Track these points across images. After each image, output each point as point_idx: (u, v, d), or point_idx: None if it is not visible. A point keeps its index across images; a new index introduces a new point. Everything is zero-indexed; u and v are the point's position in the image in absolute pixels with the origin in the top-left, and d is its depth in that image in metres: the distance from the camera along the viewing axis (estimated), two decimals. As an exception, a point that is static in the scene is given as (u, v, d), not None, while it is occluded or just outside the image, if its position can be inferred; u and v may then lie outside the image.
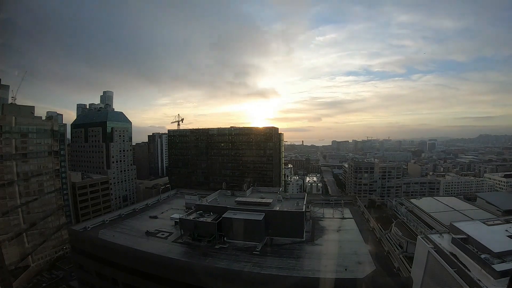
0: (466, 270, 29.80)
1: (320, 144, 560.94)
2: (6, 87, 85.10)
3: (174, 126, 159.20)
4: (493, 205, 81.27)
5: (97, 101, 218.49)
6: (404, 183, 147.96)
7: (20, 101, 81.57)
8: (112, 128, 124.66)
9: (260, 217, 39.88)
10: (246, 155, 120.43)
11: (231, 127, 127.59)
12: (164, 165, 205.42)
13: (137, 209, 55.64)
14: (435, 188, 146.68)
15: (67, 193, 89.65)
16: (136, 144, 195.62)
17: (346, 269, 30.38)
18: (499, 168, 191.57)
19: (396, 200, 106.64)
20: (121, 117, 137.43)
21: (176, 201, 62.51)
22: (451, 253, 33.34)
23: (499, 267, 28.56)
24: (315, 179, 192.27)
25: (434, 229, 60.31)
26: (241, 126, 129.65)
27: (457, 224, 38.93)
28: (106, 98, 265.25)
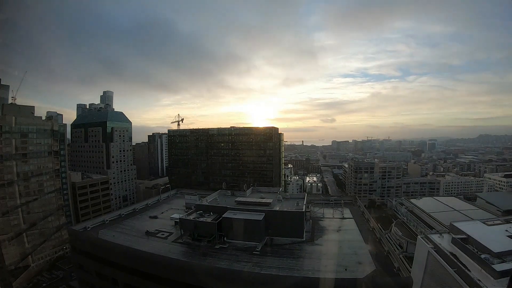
0: (466, 270, 29.81)
1: (320, 144, 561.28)
2: (6, 87, 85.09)
3: (175, 126, 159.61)
4: (493, 205, 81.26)
5: (97, 101, 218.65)
6: (404, 183, 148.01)
7: (20, 101, 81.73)
8: (112, 128, 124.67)
9: (260, 217, 39.87)
10: (246, 155, 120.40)
11: (231, 127, 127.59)
12: (164, 165, 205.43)
13: (137, 209, 55.63)
14: (435, 188, 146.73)
15: (67, 193, 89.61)
16: (136, 144, 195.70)
17: (346, 269, 30.37)
18: (499, 168, 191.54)
19: (396, 200, 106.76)
20: (121, 117, 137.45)
21: (176, 201, 62.51)
22: (451, 253, 33.35)
23: (499, 267, 28.57)
24: (315, 179, 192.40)
25: (434, 229, 60.37)
26: (241, 126, 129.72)
27: (457, 224, 38.96)
28: (106, 98, 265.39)
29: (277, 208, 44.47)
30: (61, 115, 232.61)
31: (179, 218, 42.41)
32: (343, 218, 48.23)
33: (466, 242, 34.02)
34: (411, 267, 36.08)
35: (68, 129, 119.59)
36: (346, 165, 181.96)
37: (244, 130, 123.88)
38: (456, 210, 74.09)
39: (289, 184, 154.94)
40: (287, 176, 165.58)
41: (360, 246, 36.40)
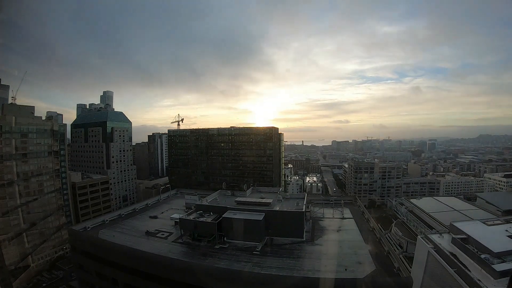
0: (466, 270, 29.83)
1: (320, 144, 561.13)
2: (6, 87, 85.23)
3: (175, 126, 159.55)
4: (493, 205, 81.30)
5: (97, 101, 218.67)
6: (404, 183, 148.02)
7: (20, 101, 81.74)
8: (112, 128, 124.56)
9: (260, 217, 39.88)
10: (246, 155, 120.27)
11: (231, 127, 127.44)
12: (164, 165, 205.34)
13: (137, 209, 55.64)
14: (435, 188, 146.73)
15: (67, 193, 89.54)
16: (136, 144, 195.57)
17: (346, 269, 30.38)
18: (499, 168, 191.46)
19: (396, 200, 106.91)
20: (121, 117, 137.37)
21: (176, 201, 62.50)
22: (451, 253, 33.37)
23: (499, 267, 28.60)
24: (315, 179, 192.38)
25: (434, 229, 60.40)
26: (241, 126, 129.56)
27: (457, 224, 38.99)
28: (106, 98, 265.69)
29: (277, 208, 44.48)
30: (61, 115, 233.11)
31: (179, 218, 42.42)
32: (343, 218, 48.23)
33: (466, 242, 34.04)
34: (411, 267, 36.11)
35: (68, 129, 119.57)
36: (346, 165, 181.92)
37: (244, 130, 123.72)
38: (456, 210, 74.12)
39: (289, 184, 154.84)
40: (287, 176, 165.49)
41: (360, 246, 36.40)
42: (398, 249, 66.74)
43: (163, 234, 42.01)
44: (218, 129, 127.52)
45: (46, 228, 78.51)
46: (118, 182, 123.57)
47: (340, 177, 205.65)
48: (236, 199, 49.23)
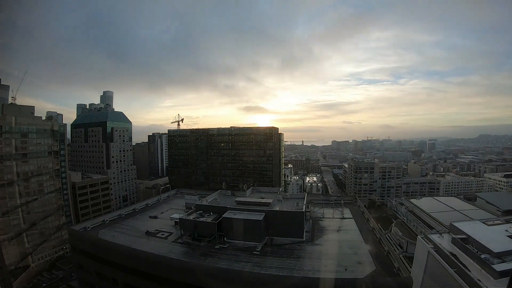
0: (466, 270, 29.81)
1: (320, 144, 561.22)
2: (6, 87, 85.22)
3: (175, 126, 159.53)
4: (493, 205, 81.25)
5: (97, 101, 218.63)
6: (404, 183, 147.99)
7: (20, 101, 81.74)
8: (112, 128, 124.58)
9: (260, 217, 39.87)
10: (246, 155, 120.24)
11: (231, 127, 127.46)
12: (164, 165, 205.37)
13: (137, 209, 55.62)
14: (435, 188, 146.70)
15: (67, 193, 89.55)
16: (136, 144, 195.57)
17: (346, 269, 30.38)
18: (499, 168, 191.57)
19: (396, 200, 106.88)
20: (121, 117, 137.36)
21: (176, 201, 62.48)
22: (451, 253, 33.35)
23: (499, 267, 28.58)
24: (315, 179, 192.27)
25: (434, 229, 60.41)
26: (241, 126, 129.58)
27: (457, 224, 38.96)
28: (106, 98, 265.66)
29: (277, 208, 44.47)
30: (61, 115, 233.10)
31: (179, 218, 42.41)
32: (343, 218, 48.22)
33: (466, 242, 34.02)
34: (411, 267, 36.09)
35: (68, 129, 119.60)
36: (346, 165, 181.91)
37: (244, 130, 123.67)
38: (456, 210, 74.13)
39: (289, 184, 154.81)
40: (287, 176, 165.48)
41: (360, 246, 36.40)
42: (398, 249, 66.74)
43: (163, 234, 42.00)
44: (218, 129, 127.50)
45: (46, 228, 78.52)
46: (118, 182, 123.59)
47: (340, 177, 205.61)
48: (236, 199, 49.21)
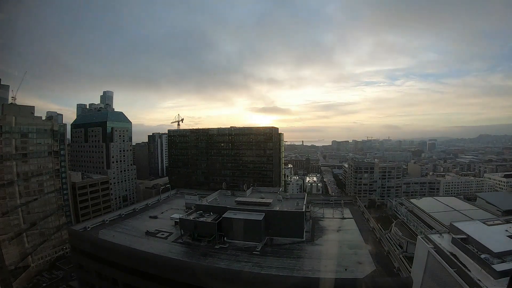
0: (466, 270, 29.83)
1: (320, 144, 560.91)
2: (6, 87, 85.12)
3: (175, 126, 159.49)
4: (493, 205, 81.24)
5: (97, 101, 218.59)
6: (404, 183, 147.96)
7: (20, 101, 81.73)
8: (112, 128, 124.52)
9: (260, 217, 39.87)
10: (246, 155, 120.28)
11: (231, 127, 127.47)
12: (164, 165, 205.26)
13: (137, 209, 55.60)
14: (435, 188, 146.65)
15: (67, 193, 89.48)
16: (136, 144, 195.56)
17: (346, 269, 30.37)
18: (499, 168, 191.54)
19: (396, 200, 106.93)
20: (121, 117, 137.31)
21: (176, 201, 62.47)
22: (451, 253, 33.37)
23: (499, 267, 28.61)
24: (315, 179, 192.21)
25: (434, 229, 60.45)
26: (241, 126, 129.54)
27: (457, 224, 39.00)
28: (106, 98, 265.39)
29: (277, 208, 44.47)
30: (61, 115, 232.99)
31: (179, 218, 42.41)
32: (343, 218, 48.21)
33: (466, 242, 34.05)
34: (411, 267, 36.14)
35: (68, 129, 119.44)
36: (346, 165, 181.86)
37: (244, 130, 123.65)
38: (456, 210, 74.17)
39: (289, 184, 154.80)
40: (287, 176, 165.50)
41: (360, 246, 36.38)
42: (398, 249, 66.78)
43: (163, 234, 41.99)
44: (218, 129, 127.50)
45: (46, 228, 78.51)
46: (118, 182, 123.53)
47: (340, 177, 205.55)
48: (236, 199, 49.23)
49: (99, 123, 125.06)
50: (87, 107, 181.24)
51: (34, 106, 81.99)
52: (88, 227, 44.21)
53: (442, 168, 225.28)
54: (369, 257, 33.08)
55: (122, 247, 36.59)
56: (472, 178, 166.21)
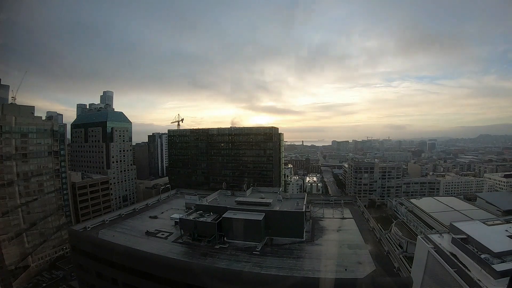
0: (466, 270, 29.81)
1: (320, 144, 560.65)
2: (6, 87, 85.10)
3: (175, 126, 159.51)
4: (493, 205, 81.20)
5: (97, 101, 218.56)
6: (404, 183, 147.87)
7: (20, 101, 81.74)
8: (112, 128, 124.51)
9: (260, 217, 39.88)
10: (246, 155, 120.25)
11: (231, 127, 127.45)
12: (164, 165, 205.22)
13: (137, 209, 55.63)
14: (435, 188, 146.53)
15: (67, 193, 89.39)
16: (136, 144, 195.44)
17: (346, 269, 30.38)
18: (499, 168, 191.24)
19: (396, 200, 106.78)
20: (121, 117, 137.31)
21: (176, 201, 62.50)
22: (451, 253, 33.35)
23: (499, 267, 28.58)
24: (315, 179, 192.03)
25: (434, 229, 60.46)
26: (241, 126, 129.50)
27: (457, 224, 38.97)
28: (106, 98, 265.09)
29: (277, 208, 44.49)
30: (61, 115, 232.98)
31: (179, 218, 42.43)
32: (343, 218, 48.23)
33: (466, 242, 34.03)
34: (411, 267, 36.10)
35: (68, 129, 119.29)
36: (346, 165, 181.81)
37: (244, 130, 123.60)
38: (456, 210, 74.14)
39: (289, 184, 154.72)
40: (287, 176, 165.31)
41: (360, 246, 36.41)
42: (398, 249, 66.71)
43: (163, 234, 42.01)
44: (218, 129, 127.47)
45: (46, 228, 78.50)
46: (118, 182, 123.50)
47: (340, 177, 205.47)
48: (236, 199, 49.25)
49: (99, 123, 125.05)
50: (87, 107, 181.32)
51: (34, 106, 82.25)
52: (88, 227, 44.23)
53: (442, 168, 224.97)
54: (369, 257, 33.10)
55: (122, 247, 36.61)
56: (472, 178, 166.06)
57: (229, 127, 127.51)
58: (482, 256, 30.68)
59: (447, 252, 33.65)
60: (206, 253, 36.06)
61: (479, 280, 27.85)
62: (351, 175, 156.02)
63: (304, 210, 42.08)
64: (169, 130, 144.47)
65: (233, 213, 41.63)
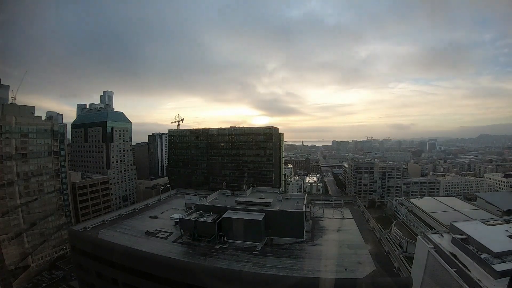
0: (466, 270, 29.82)
1: (320, 144, 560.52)
2: (6, 87, 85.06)
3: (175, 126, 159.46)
4: (493, 205, 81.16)
5: (97, 101, 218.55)
6: (404, 183, 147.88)
7: (20, 101, 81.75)
8: (112, 128, 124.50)
9: (260, 217, 39.87)
10: (246, 155, 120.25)
11: (231, 127, 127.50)
12: (164, 165, 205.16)
13: (137, 209, 55.59)
14: (435, 188, 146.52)
15: (67, 193, 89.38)
16: (136, 144, 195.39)
17: (346, 269, 30.37)
18: (499, 168, 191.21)
19: (396, 200, 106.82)
20: (121, 117, 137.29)
21: (176, 201, 62.46)
22: (451, 253, 33.36)
23: (499, 267, 28.60)
24: (315, 179, 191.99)
25: (434, 229, 60.47)
26: (241, 126, 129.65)
27: (457, 224, 39.00)
28: (106, 98, 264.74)
29: (277, 208, 44.47)
30: (61, 115, 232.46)
31: (179, 218, 42.42)
32: (343, 218, 48.21)
33: (466, 242, 34.05)
34: (411, 267, 36.13)
35: (68, 129, 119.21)
36: (346, 165, 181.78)
37: (244, 130, 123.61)
38: (456, 210, 74.16)
39: (289, 184, 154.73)
40: (287, 176, 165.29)
41: (360, 246, 36.39)
42: (398, 249, 66.74)
43: (163, 234, 41.99)
44: (218, 129, 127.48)
45: (46, 228, 78.55)
46: (118, 182, 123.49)
47: (340, 177, 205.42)
48: (236, 199, 49.24)
49: (99, 123, 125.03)
50: (87, 107, 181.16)
51: (34, 106, 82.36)
52: (88, 227, 44.21)
53: (442, 168, 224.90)
54: (369, 257, 33.08)
55: (122, 247, 36.59)
56: (472, 178, 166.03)
57: (229, 127, 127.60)
58: (482, 256, 30.69)
59: (447, 252, 33.67)
60: (206, 253, 36.05)
61: (479, 280, 27.87)
62: (351, 175, 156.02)
63: (304, 210, 42.06)
64: (169, 130, 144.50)
65: (233, 213, 41.62)
